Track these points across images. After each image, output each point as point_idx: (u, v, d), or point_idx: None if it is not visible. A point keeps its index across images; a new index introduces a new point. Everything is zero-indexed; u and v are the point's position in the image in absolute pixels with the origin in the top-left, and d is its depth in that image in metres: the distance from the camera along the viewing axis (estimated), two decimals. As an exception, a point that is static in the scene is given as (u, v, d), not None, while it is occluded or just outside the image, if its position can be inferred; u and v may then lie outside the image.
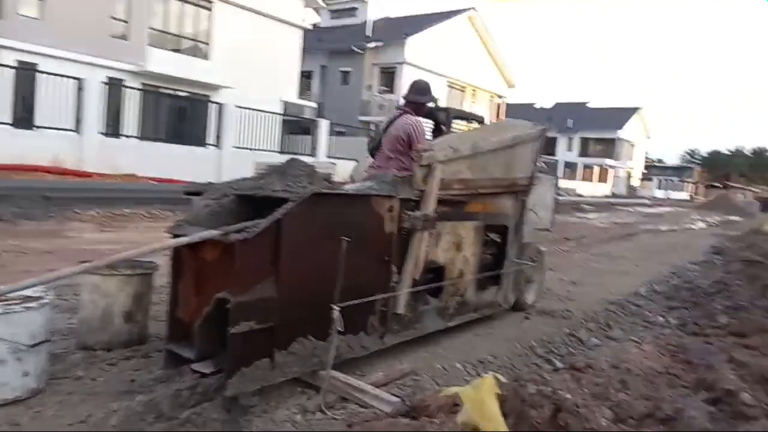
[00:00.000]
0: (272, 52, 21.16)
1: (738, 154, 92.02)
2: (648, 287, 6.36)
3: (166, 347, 3.00)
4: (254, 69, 20.00)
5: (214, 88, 19.31)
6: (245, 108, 17.23)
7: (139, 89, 16.86)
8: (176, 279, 2.97)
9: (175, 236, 2.77)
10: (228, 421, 2.62)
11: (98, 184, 12.73)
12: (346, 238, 2.65)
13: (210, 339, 2.77)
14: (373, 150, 4.35)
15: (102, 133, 14.58)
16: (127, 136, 15.48)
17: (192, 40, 20.04)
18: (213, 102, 17.81)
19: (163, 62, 17.98)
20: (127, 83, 16.91)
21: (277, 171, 3.12)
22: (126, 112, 15.85)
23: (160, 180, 14.32)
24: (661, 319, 4.98)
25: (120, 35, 17.53)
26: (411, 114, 4.14)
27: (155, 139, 16.22)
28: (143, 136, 15.99)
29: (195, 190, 3.20)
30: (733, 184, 54.82)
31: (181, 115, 18.70)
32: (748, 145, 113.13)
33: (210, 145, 16.97)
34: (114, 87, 15.86)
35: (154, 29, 18.51)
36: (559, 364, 3.77)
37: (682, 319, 4.89)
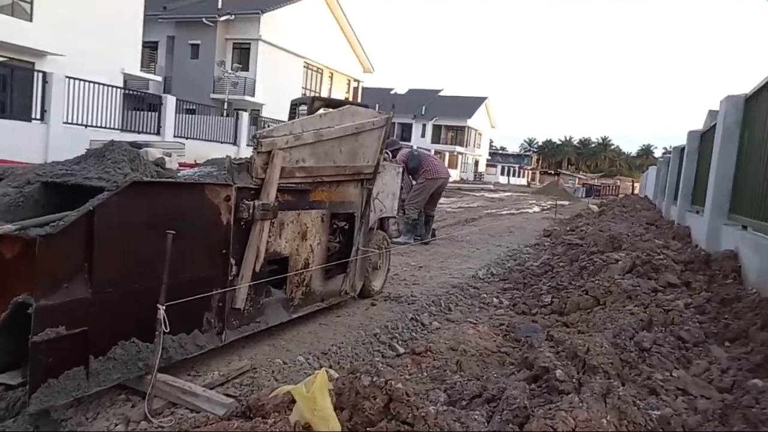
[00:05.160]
0: (109, 18, 19.24)
1: (567, 143, 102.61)
2: (486, 270, 6.78)
3: (-43, 360, 2.58)
4: (89, 36, 18.05)
5: (40, 54, 17.14)
6: (77, 78, 15.52)
7: (-58, 51, 14.48)
8: (-34, 280, 2.54)
9: (-39, 231, 2.35)
10: (37, 439, 2.33)
11: None
12: (172, 231, 2.44)
13: (12, 348, 2.42)
14: None
15: None
16: (-73, 106, 13.26)
17: (10, -4, 17.56)
18: (38, 70, 15.81)
19: (-26, 21, 15.59)
20: (-75, 43, 14.43)
21: (95, 155, 2.79)
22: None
23: (-30, 158, 12.45)
24: (496, 300, 5.32)
25: None
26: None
27: (-35, 111, 14.07)
28: (-51, 107, 13.80)
29: (-9, 176, 2.76)
30: (564, 172, 61.18)
31: (-1, 84, 16.39)
32: (576, 135, 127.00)
33: (35, 120, 15.08)
34: None
35: (-39, -19, 16.01)
36: (401, 350, 3.87)
37: (513, 300, 5.27)
